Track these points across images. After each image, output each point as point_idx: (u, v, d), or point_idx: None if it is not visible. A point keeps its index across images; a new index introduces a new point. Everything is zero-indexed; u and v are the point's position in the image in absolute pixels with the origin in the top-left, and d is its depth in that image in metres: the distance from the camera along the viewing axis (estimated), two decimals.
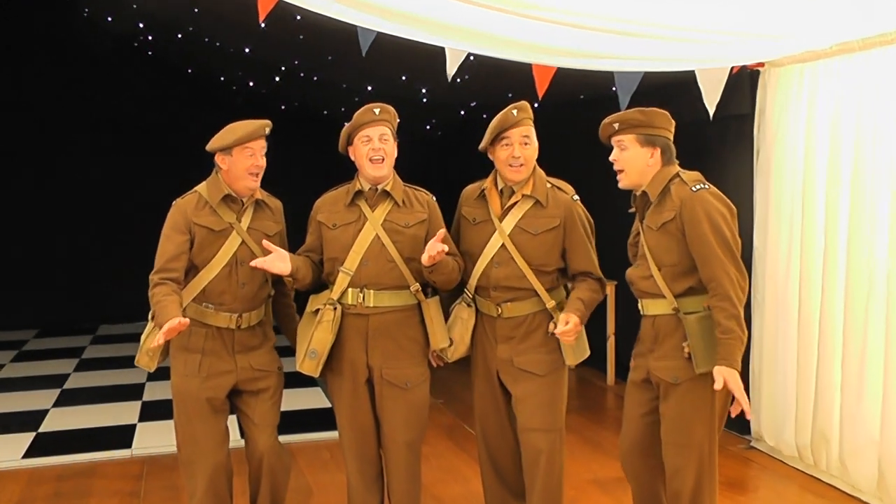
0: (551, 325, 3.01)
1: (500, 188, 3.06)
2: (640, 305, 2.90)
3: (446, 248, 2.86)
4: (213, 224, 3.02)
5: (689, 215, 2.71)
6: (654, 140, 2.81)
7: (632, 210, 2.99)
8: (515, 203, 3.00)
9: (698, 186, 2.76)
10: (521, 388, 3.04)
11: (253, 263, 2.93)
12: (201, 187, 3.10)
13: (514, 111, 2.98)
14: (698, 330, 2.71)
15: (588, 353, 3.11)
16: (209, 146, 3.05)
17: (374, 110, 2.99)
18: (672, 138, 2.86)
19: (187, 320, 2.75)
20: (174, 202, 3.10)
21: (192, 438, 3.07)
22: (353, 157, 3.06)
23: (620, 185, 2.90)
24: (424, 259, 2.88)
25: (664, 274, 2.78)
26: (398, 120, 3.08)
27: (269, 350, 3.16)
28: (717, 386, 2.61)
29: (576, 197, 3.05)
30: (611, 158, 2.88)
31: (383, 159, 2.98)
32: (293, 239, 3.22)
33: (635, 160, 2.81)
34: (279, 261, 2.95)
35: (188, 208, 3.04)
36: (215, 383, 3.04)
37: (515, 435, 3.15)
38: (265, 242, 2.96)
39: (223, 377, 3.05)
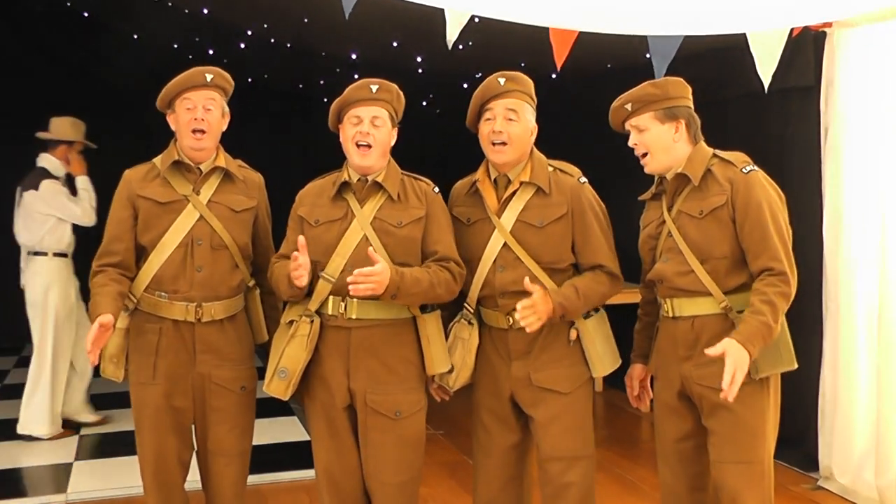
0: (572, 333, 3.03)
1: (493, 178, 3.07)
2: (667, 307, 2.94)
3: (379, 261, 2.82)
4: (159, 196, 3.08)
5: (744, 200, 2.78)
6: (676, 112, 2.89)
7: (645, 197, 3.06)
8: (513, 194, 3.02)
9: (749, 168, 2.84)
10: (543, 411, 3.04)
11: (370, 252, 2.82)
12: (158, 157, 3.18)
13: (501, 79, 3.01)
14: None
15: (619, 360, 3.11)
16: (157, 105, 3.14)
17: (372, 87, 2.98)
18: (692, 107, 2.93)
19: (110, 320, 2.81)
20: (124, 172, 3.18)
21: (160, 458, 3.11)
22: (342, 139, 3.06)
23: (647, 170, 2.96)
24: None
25: (711, 268, 2.83)
26: (402, 103, 3.08)
27: (239, 362, 3.17)
28: (713, 352, 2.62)
29: (583, 179, 3.07)
30: (630, 143, 2.95)
31: (371, 146, 2.97)
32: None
33: (659, 139, 2.89)
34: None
35: (134, 179, 3.13)
36: (178, 389, 3.08)
37: (522, 476, 3.16)
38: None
39: (187, 380, 3.09)
